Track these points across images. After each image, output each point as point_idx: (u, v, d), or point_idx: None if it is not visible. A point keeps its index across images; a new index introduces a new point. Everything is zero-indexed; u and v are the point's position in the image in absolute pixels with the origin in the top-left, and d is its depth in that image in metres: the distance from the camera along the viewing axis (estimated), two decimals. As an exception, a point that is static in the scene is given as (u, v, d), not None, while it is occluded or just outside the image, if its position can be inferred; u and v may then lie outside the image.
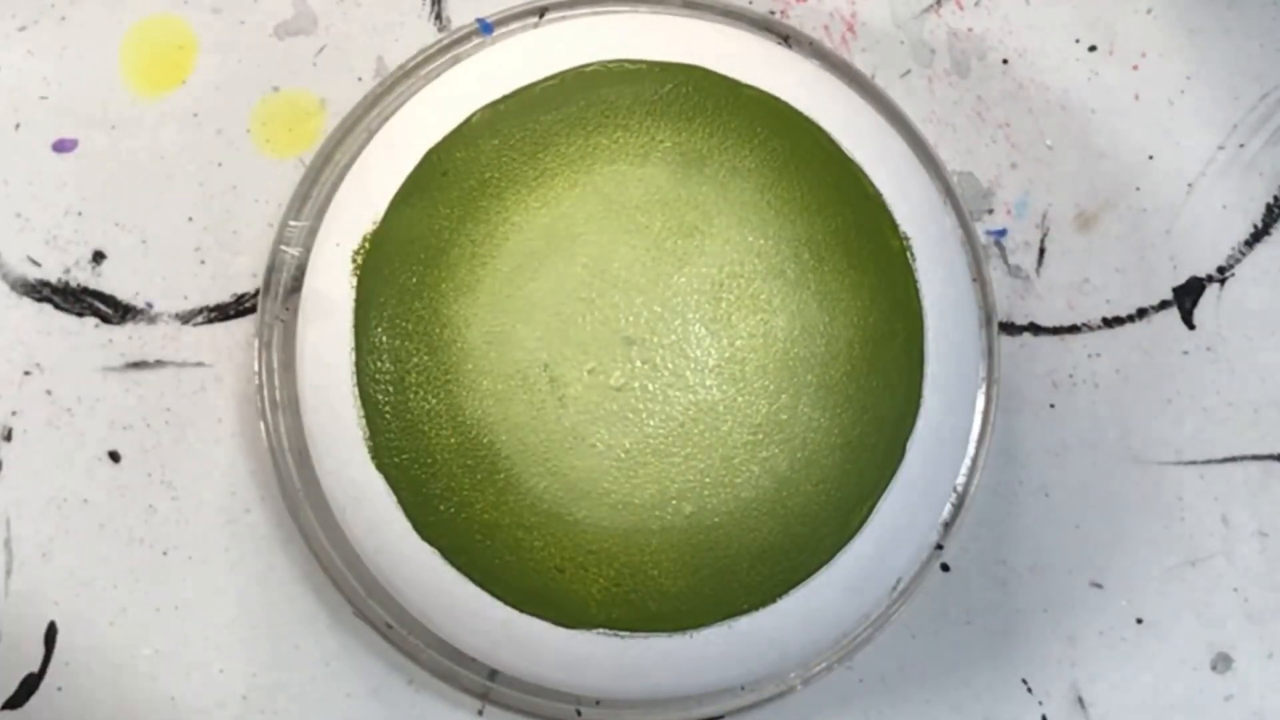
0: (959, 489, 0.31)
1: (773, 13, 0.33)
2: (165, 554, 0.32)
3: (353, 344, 0.29)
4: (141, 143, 0.33)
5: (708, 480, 0.28)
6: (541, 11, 0.32)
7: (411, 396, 0.29)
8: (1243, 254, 0.34)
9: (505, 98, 0.30)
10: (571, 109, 0.29)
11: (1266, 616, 0.33)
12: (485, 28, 0.31)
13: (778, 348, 0.29)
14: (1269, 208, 0.34)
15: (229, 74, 0.33)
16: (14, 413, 0.32)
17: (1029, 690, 0.32)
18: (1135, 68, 0.34)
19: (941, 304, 0.30)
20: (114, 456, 0.32)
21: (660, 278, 0.29)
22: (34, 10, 0.33)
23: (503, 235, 0.29)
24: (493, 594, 0.28)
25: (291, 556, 0.32)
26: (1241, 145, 0.34)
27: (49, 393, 0.32)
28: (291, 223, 0.31)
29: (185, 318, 0.33)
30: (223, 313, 0.33)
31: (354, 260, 0.29)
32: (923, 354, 0.29)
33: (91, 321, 0.32)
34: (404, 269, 0.29)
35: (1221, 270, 0.34)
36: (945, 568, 0.32)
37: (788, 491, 0.29)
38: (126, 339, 0.32)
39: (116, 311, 0.32)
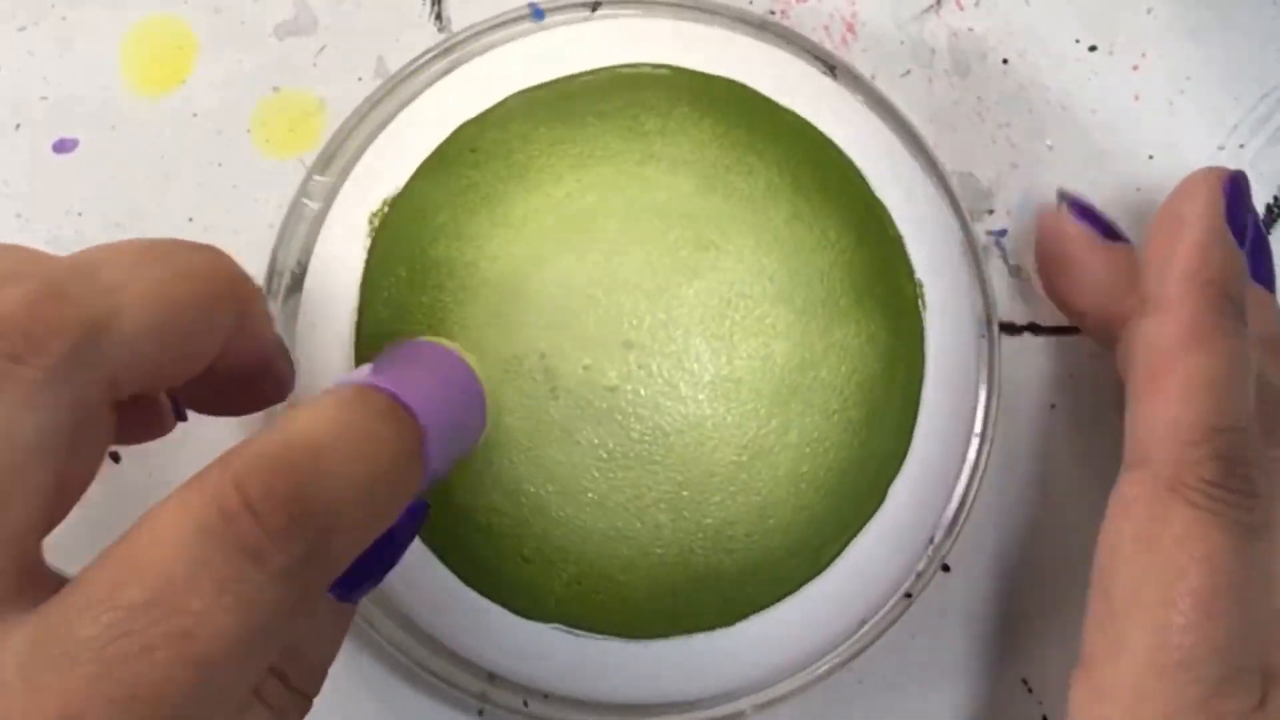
0: (960, 487, 0.31)
1: (772, 12, 0.33)
2: (165, 554, 0.32)
3: (357, 304, 0.29)
4: (141, 143, 0.33)
5: (685, 494, 0.28)
6: (594, 6, 0.32)
7: None
8: (1243, 254, 0.34)
9: (543, 85, 0.30)
10: (608, 106, 0.29)
11: (1266, 616, 0.33)
12: (537, 13, 0.31)
13: (775, 374, 0.29)
14: (1269, 208, 0.34)
15: (229, 74, 0.33)
16: (14, 413, 0.32)
17: (1029, 690, 0.32)
18: (1135, 68, 0.34)
19: (946, 357, 0.30)
20: (114, 457, 0.32)
21: (669, 287, 0.29)
22: (34, 10, 0.33)
23: (521, 219, 0.29)
24: (455, 571, 0.29)
25: (291, 556, 0.32)
26: (1241, 145, 0.34)
27: (49, 393, 0.32)
28: (316, 177, 0.31)
29: (185, 318, 0.32)
30: (223, 313, 0.33)
31: (370, 223, 0.29)
32: (918, 405, 0.29)
33: (91, 321, 0.32)
34: (418, 238, 0.29)
35: (1221, 270, 0.34)
36: (945, 568, 0.32)
37: (764, 517, 0.29)
38: (126, 339, 0.32)
39: (116, 311, 0.32)
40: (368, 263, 0.29)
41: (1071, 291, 0.31)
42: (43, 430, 0.19)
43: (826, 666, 0.31)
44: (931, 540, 0.31)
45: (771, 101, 0.30)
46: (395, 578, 0.29)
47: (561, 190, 0.29)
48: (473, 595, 0.29)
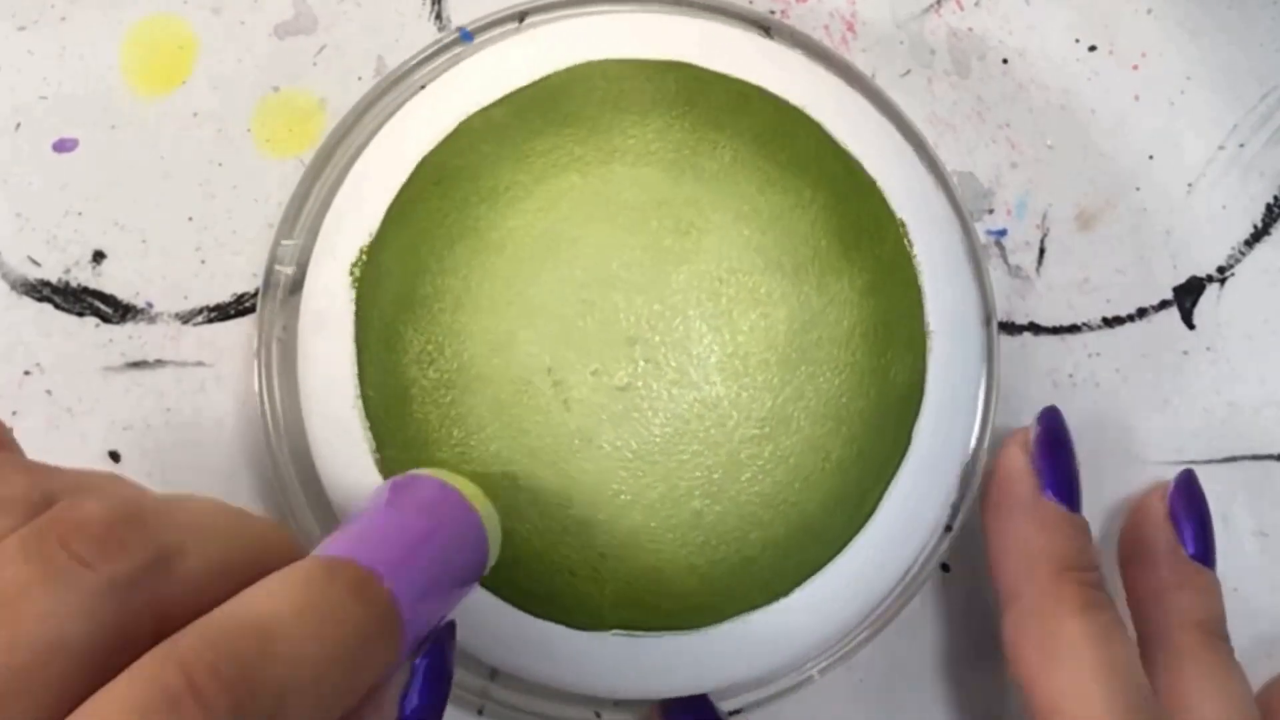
0: (959, 489, 0.31)
1: (772, 12, 0.33)
2: (165, 554, 0.32)
3: (354, 357, 0.29)
4: (141, 143, 0.33)
5: (715, 476, 0.28)
6: (521, 16, 0.32)
7: (416, 408, 0.29)
8: (1243, 254, 0.34)
9: (497, 102, 0.30)
10: (563, 111, 0.30)
11: (1266, 616, 0.33)
12: (465, 35, 0.31)
13: (779, 341, 0.29)
14: (1269, 208, 0.34)
15: (229, 74, 0.33)
16: (14, 413, 0.32)
17: (1029, 690, 0.32)
18: (1135, 68, 0.34)
19: (942, 287, 0.30)
20: (114, 456, 0.32)
21: (659, 276, 0.29)
22: (34, 10, 0.33)
23: (499, 242, 0.29)
24: (504, 598, 0.28)
25: (291, 556, 0.32)
26: (1241, 145, 0.34)
27: (49, 393, 0.32)
28: (284, 241, 0.31)
29: (185, 318, 0.33)
30: (223, 313, 0.33)
31: (351, 274, 0.29)
32: (925, 344, 0.29)
33: (91, 321, 0.32)
34: (402, 281, 0.29)
35: (1221, 270, 0.34)
36: (945, 568, 0.32)
37: (797, 484, 0.29)
38: (126, 339, 0.32)
39: (116, 311, 0.32)
40: (358, 314, 0.29)
41: (989, 535, 0.30)
42: (92, 640, 0.19)
43: (842, 652, 0.31)
44: (962, 472, 0.31)
45: (721, 75, 0.30)
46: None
47: (534, 205, 0.29)
48: (528, 619, 0.29)
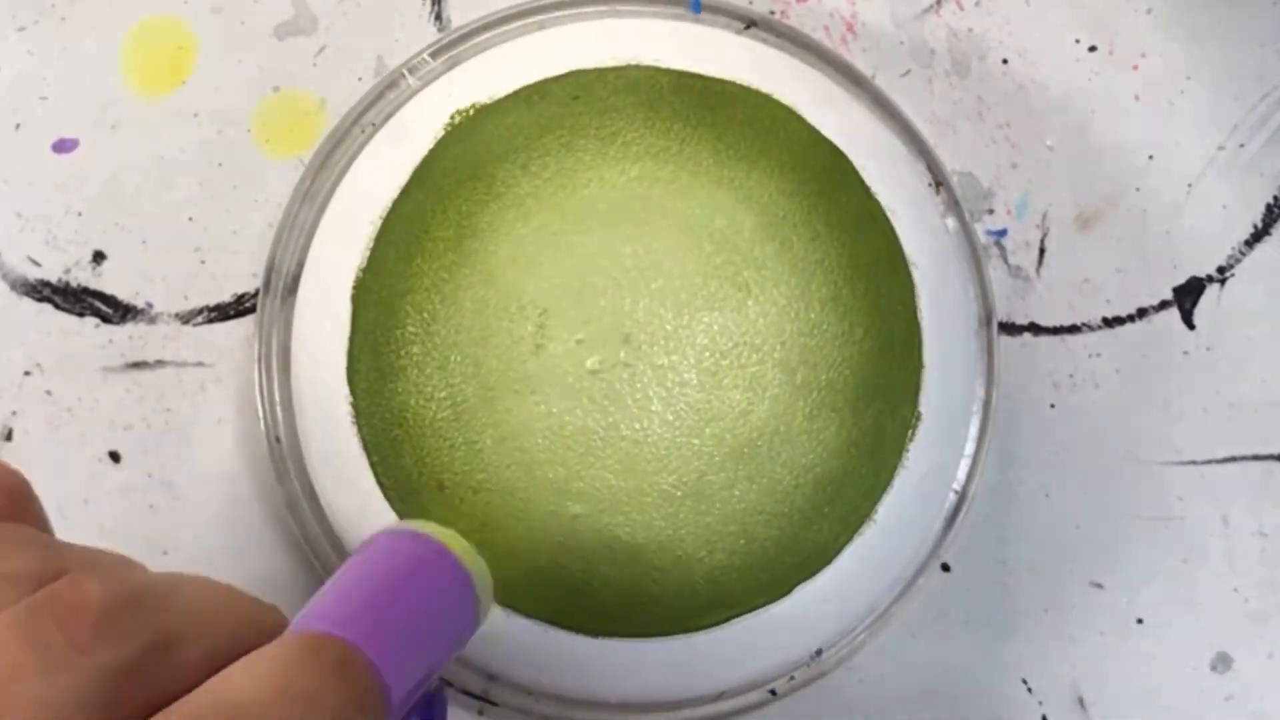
0: (958, 489, 0.31)
1: (772, 13, 0.33)
2: (165, 554, 0.32)
3: (402, 187, 0.30)
4: (141, 143, 0.33)
5: (605, 494, 0.28)
6: (751, 23, 0.32)
7: (419, 263, 0.29)
8: (1243, 254, 0.34)
9: (667, 71, 0.30)
10: (717, 116, 0.30)
11: (1266, 616, 0.33)
12: (695, 7, 0.31)
13: (743, 432, 0.29)
14: (1269, 208, 0.34)
15: (229, 74, 0.33)
16: (14, 413, 0.32)
17: (1029, 690, 0.32)
18: (1135, 68, 0.34)
19: (926, 479, 0.30)
20: (114, 456, 0.32)
21: (689, 306, 0.29)
22: (34, 10, 0.33)
23: (586, 180, 0.29)
24: (384, 490, 0.29)
25: (292, 557, 0.32)
26: (1241, 145, 0.34)
27: (49, 393, 0.32)
28: (427, 56, 0.32)
29: (185, 318, 0.33)
30: (223, 313, 0.33)
31: (451, 119, 0.30)
32: (860, 525, 0.29)
33: (91, 321, 0.32)
34: (486, 151, 0.29)
35: (1221, 270, 0.34)
36: (945, 568, 0.32)
37: (668, 560, 0.28)
38: (126, 339, 0.32)
39: (116, 311, 0.32)
40: (432, 151, 0.30)
41: None
42: None
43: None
44: (819, 652, 0.30)
45: (866, 190, 0.30)
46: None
47: (632, 172, 0.29)
48: (388, 505, 0.29)
